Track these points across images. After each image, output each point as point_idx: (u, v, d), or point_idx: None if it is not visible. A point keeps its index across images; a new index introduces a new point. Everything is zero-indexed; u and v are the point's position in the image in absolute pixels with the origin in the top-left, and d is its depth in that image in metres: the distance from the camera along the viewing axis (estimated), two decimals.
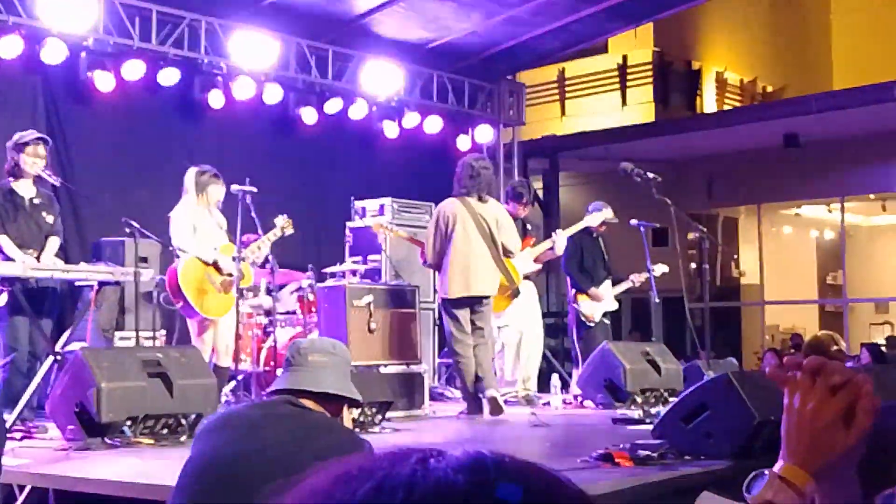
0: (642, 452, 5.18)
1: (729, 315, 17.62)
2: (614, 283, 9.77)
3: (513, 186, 9.57)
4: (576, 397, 8.96)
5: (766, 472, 1.36)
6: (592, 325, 9.67)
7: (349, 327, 7.95)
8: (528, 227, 9.45)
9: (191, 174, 7.68)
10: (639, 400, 8.31)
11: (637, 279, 9.87)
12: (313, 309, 8.68)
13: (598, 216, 9.42)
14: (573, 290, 9.69)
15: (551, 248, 9.21)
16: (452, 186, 8.07)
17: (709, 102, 19.07)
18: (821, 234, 19.57)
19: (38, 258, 7.14)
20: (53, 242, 7.35)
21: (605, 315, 9.75)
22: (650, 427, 5.92)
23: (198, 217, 7.61)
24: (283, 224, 7.89)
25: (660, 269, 9.69)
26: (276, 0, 10.10)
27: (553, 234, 9.36)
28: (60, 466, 5.09)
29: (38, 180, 7.27)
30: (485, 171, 8.06)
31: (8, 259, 6.94)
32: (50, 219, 7.36)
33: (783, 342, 17.72)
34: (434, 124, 11.91)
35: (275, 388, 3.19)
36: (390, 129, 11.49)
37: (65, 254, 7.72)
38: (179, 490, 2.84)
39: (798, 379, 1.33)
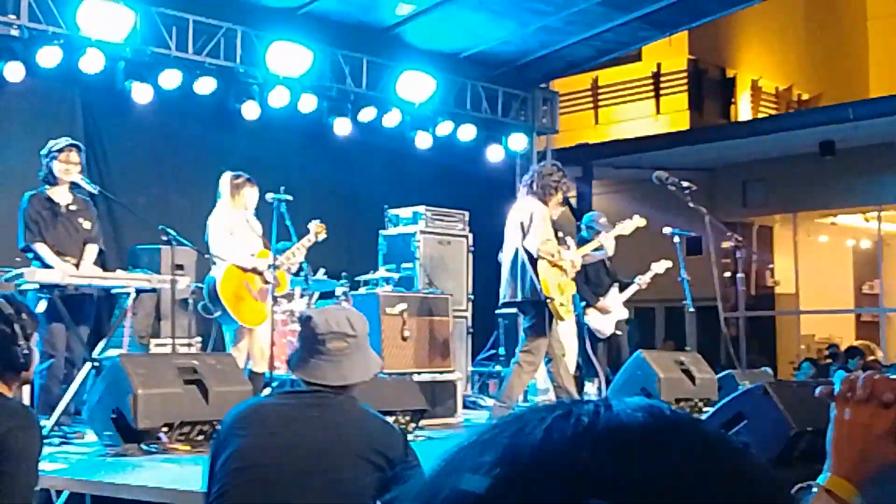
0: None
1: (764, 324, 17.48)
2: (621, 289, 9.69)
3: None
4: None
5: (814, 485, 1.36)
6: (603, 338, 9.60)
7: (382, 335, 7.98)
8: (560, 234, 9.43)
9: (225, 178, 7.75)
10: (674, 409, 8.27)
11: (643, 281, 9.77)
12: None
13: (630, 224, 9.35)
14: (582, 304, 9.59)
15: (598, 250, 9.13)
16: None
17: (744, 110, 18.96)
18: (857, 243, 19.37)
19: (76, 265, 7.21)
20: (91, 250, 7.41)
21: (618, 325, 9.65)
22: None
23: (234, 222, 7.67)
24: (316, 230, 7.92)
25: (662, 265, 9.57)
26: (312, 10, 10.16)
27: (599, 235, 9.27)
28: (97, 472, 5.14)
29: (74, 187, 7.34)
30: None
31: (46, 266, 7.02)
32: (87, 224, 7.42)
33: (819, 352, 17.55)
34: (467, 132, 11.93)
35: (300, 378, 3.11)
36: (424, 138, 11.52)
37: (103, 260, 7.80)
38: (219, 485, 2.85)
39: (850, 393, 1.34)
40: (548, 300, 7.67)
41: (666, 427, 0.74)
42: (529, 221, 7.75)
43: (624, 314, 9.77)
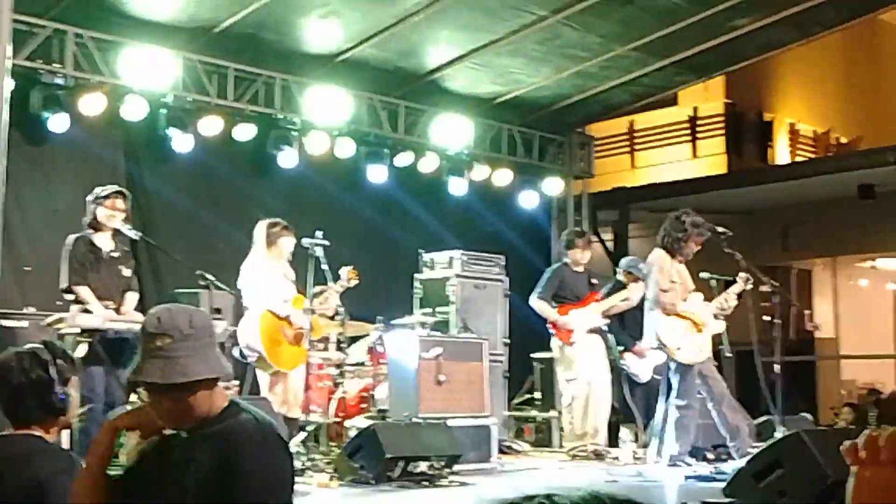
0: None
1: (805, 370, 17.28)
2: None
3: (564, 237, 9.71)
4: (644, 451, 8.86)
5: None
6: (642, 383, 9.54)
7: (418, 379, 8.00)
8: (594, 281, 9.43)
9: (261, 227, 7.82)
10: (710, 456, 8.20)
11: None
12: (382, 360, 8.74)
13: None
14: (619, 349, 9.56)
15: (625, 300, 9.18)
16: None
17: (781, 154, 18.88)
18: None
19: (116, 310, 7.32)
20: (132, 298, 7.53)
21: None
22: (722, 485, 5.85)
23: (268, 270, 7.74)
24: (349, 275, 7.98)
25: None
26: (349, 57, 10.31)
27: (629, 286, 9.30)
28: None
29: (116, 234, 7.47)
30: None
31: (86, 309, 7.13)
32: (127, 272, 7.55)
33: (860, 397, 17.30)
34: (503, 177, 11.98)
35: (132, 380, 2.82)
36: (459, 182, 11.59)
37: (141, 305, 7.90)
38: None
39: (869, 455, 1.34)
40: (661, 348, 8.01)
41: None
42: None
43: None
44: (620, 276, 9.64)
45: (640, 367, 9.52)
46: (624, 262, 9.85)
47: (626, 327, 9.58)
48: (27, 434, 3.01)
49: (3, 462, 2.94)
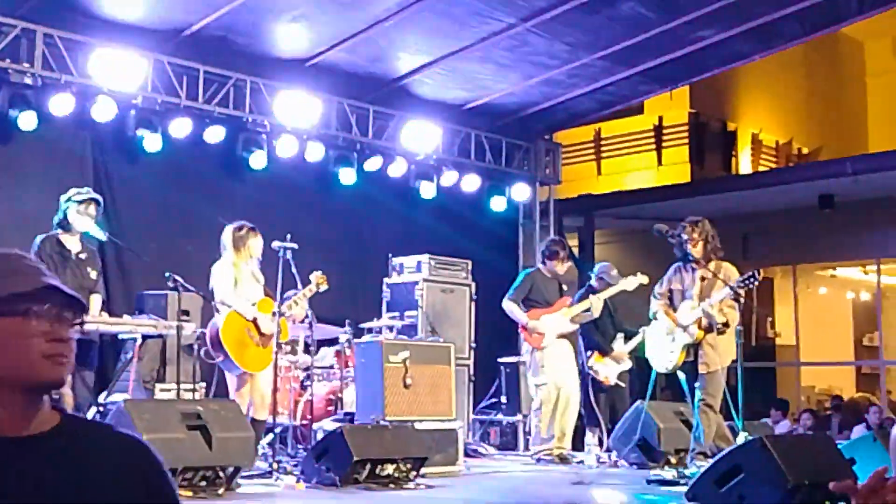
0: None
1: (765, 375, 17.51)
2: (626, 339, 9.70)
3: (547, 245, 9.66)
4: (608, 455, 8.97)
5: None
6: (605, 388, 9.63)
7: (385, 382, 8.05)
8: (564, 287, 9.53)
9: (227, 232, 7.82)
10: (673, 460, 8.32)
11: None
12: (350, 363, 8.79)
13: (633, 281, 9.43)
14: (587, 352, 9.65)
15: (587, 311, 9.27)
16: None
17: (744, 163, 19.14)
18: (857, 296, 19.46)
19: None
20: (96, 300, 7.55)
21: (621, 376, 9.68)
22: (684, 489, 5.95)
23: (238, 273, 7.76)
24: (317, 280, 8.00)
25: (637, 280, 9.50)
26: (320, 62, 10.35)
27: (589, 297, 9.40)
28: None
29: (84, 235, 7.48)
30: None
31: None
32: (93, 275, 7.56)
33: (819, 403, 17.57)
34: (471, 182, 12.07)
35: None
36: (428, 187, 11.66)
37: (108, 306, 7.90)
38: None
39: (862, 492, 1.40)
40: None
41: None
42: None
43: (627, 365, 9.82)
44: (593, 282, 9.74)
45: (608, 371, 9.63)
46: (598, 267, 9.95)
47: (598, 333, 9.65)
48: None
49: None
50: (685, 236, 7.84)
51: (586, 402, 9.55)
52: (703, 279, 7.83)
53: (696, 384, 7.73)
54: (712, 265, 7.80)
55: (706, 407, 7.68)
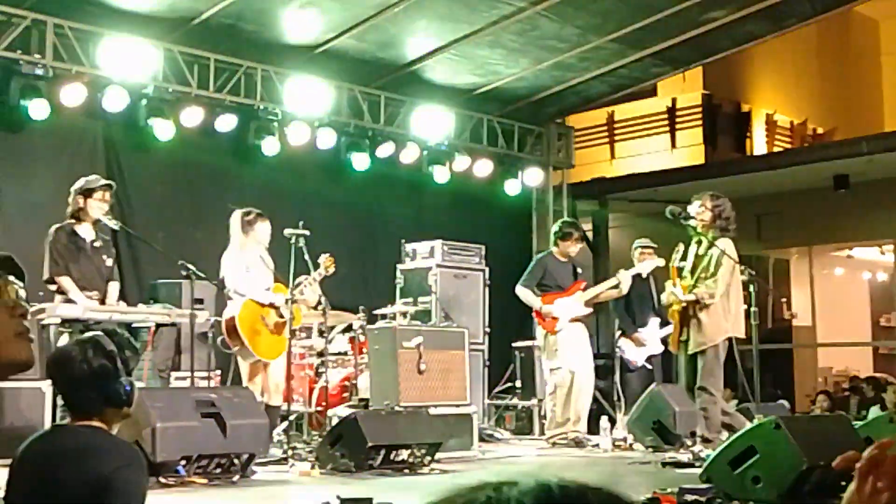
0: (690, 497, 5.20)
1: (782, 357, 17.44)
2: (662, 325, 9.69)
3: (559, 226, 9.64)
4: (624, 439, 8.97)
5: None
6: (633, 369, 9.66)
7: (399, 368, 8.06)
8: (578, 270, 9.51)
9: (236, 217, 7.84)
10: (688, 443, 8.30)
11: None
12: (364, 350, 8.80)
13: (650, 264, 9.43)
14: (618, 332, 9.70)
15: (616, 287, 9.23)
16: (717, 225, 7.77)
17: (758, 144, 19.02)
18: (873, 276, 19.34)
19: (100, 301, 7.35)
20: (114, 288, 7.57)
21: (649, 359, 9.70)
22: (699, 471, 5.93)
23: (248, 259, 7.78)
24: (325, 263, 8.00)
25: (653, 262, 9.43)
26: (330, 48, 10.33)
27: (618, 273, 9.36)
28: None
29: (97, 224, 7.49)
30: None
31: (68, 300, 7.15)
32: (109, 262, 7.59)
33: (836, 385, 17.50)
34: (484, 167, 12.04)
35: None
36: (440, 173, 11.64)
37: (122, 295, 7.93)
38: None
39: (868, 470, 1.37)
40: None
41: None
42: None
43: (658, 349, 9.80)
44: (634, 256, 9.77)
45: (636, 353, 9.63)
46: (637, 242, 9.98)
47: (630, 312, 9.65)
48: (88, 426, 2.84)
49: (66, 455, 2.76)
50: (695, 209, 7.81)
51: (611, 383, 9.57)
52: (696, 256, 7.81)
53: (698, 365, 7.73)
54: (706, 241, 7.76)
55: (698, 390, 7.67)
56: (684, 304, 7.74)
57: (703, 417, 7.65)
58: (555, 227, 9.71)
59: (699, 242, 7.85)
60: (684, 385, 7.94)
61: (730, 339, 7.85)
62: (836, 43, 20.78)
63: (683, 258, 7.91)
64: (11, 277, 1.64)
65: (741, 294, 7.89)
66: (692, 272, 7.77)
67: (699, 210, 7.81)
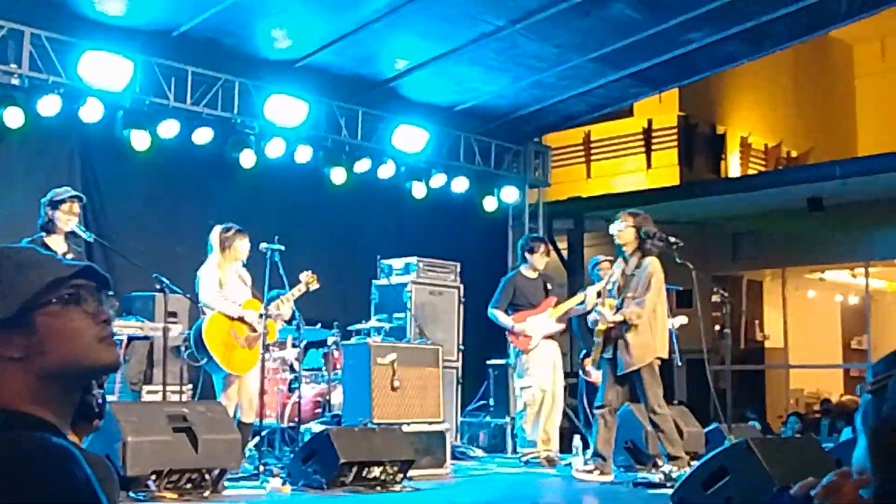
0: None
1: (754, 378, 17.55)
2: None
3: (525, 240, 9.71)
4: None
5: None
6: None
7: (372, 385, 8.04)
8: (549, 286, 9.53)
9: (215, 232, 7.82)
10: (660, 463, 8.32)
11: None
12: (338, 366, 8.77)
13: (677, 321, 9.43)
14: (583, 352, 9.67)
15: (581, 304, 9.26)
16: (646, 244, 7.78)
17: (733, 166, 19.18)
18: (845, 299, 19.52)
19: None
20: None
21: None
22: (670, 491, 5.95)
23: (224, 274, 7.75)
24: (307, 280, 7.98)
25: (679, 320, 9.55)
26: (308, 63, 10.33)
27: (584, 290, 9.38)
28: None
29: (70, 236, 7.44)
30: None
31: None
32: None
33: (807, 406, 17.62)
34: (461, 184, 12.06)
35: None
36: (418, 189, 11.65)
37: None
38: None
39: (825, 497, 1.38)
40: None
41: None
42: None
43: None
44: (595, 273, 9.77)
45: (598, 373, 9.61)
46: (591, 260, 9.98)
47: (590, 332, 9.66)
48: None
49: None
50: (617, 227, 7.83)
51: (580, 405, 9.55)
52: (623, 275, 7.83)
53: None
54: (634, 260, 7.78)
55: (648, 411, 7.68)
56: (611, 324, 7.74)
57: (661, 433, 7.65)
58: (521, 242, 9.72)
59: (626, 261, 7.89)
60: (601, 401, 7.89)
61: (701, 360, 7.88)
62: (812, 67, 21.00)
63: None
64: (94, 284, 1.66)
65: (666, 314, 7.93)
66: (619, 292, 7.80)
67: (621, 228, 7.83)
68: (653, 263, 7.73)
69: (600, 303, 7.89)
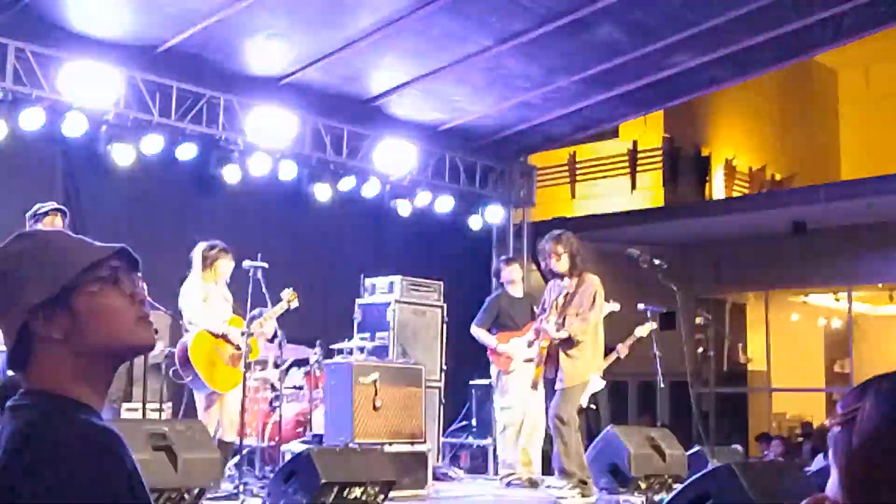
0: None
1: (737, 401, 17.55)
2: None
3: (497, 261, 9.76)
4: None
5: None
6: (579, 411, 9.58)
7: (354, 404, 7.99)
8: (535, 308, 9.49)
9: (198, 249, 7.77)
10: (643, 486, 8.27)
11: (623, 350, 9.75)
12: (320, 384, 8.71)
13: (606, 308, 9.41)
14: None
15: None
16: (577, 264, 7.85)
17: (718, 189, 19.24)
18: (828, 323, 19.56)
19: None
20: None
21: (592, 399, 9.63)
22: None
23: (206, 291, 7.70)
24: (288, 297, 7.93)
25: (647, 328, 9.48)
26: (294, 81, 10.31)
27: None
28: None
29: None
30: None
31: None
32: None
33: (790, 429, 17.62)
34: (445, 203, 12.04)
35: None
36: (402, 208, 11.62)
37: None
38: None
39: None
40: None
41: None
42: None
43: (599, 386, 9.76)
44: None
45: None
46: None
47: None
48: None
49: None
50: (548, 250, 7.84)
51: None
52: (566, 294, 7.84)
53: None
54: (575, 279, 7.79)
55: (555, 419, 7.68)
56: (556, 342, 7.73)
57: (563, 445, 7.64)
58: (493, 270, 9.77)
59: (562, 279, 7.90)
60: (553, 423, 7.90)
61: (685, 383, 7.88)
62: (796, 91, 21.13)
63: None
64: (127, 266, 1.71)
65: (602, 332, 7.97)
66: (560, 310, 7.80)
67: (557, 251, 7.84)
68: (594, 281, 7.82)
69: (543, 319, 7.89)
